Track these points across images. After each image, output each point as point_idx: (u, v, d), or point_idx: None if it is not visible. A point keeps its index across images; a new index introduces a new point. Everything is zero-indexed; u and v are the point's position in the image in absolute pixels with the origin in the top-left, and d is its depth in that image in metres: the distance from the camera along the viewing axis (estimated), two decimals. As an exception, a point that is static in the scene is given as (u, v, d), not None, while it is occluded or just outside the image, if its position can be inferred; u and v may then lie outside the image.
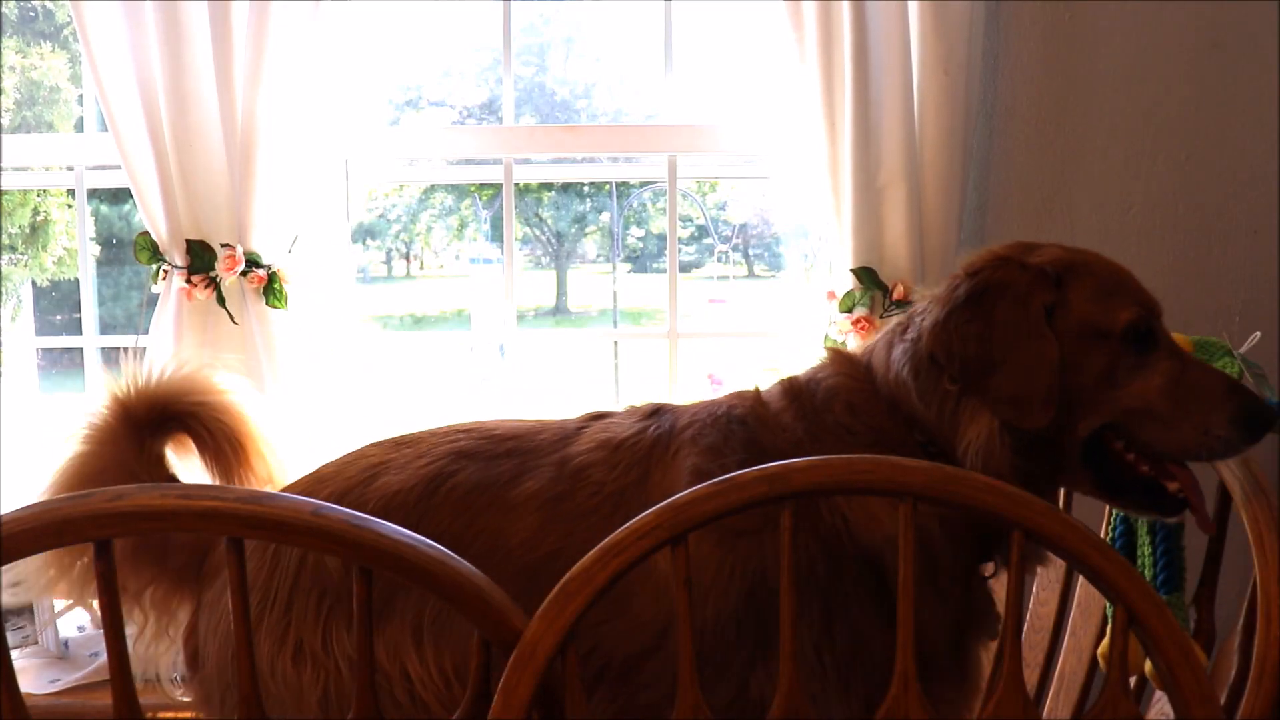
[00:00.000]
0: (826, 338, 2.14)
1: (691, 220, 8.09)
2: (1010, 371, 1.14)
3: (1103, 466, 1.20)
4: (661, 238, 2.64)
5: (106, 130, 2.11)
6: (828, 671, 1.13)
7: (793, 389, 1.28)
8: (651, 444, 1.23)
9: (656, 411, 1.29)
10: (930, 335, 1.19)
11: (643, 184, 8.28)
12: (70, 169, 2.36)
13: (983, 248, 1.28)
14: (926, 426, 1.20)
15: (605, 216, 9.10)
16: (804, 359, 1.40)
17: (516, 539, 1.19)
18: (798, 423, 1.23)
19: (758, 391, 1.30)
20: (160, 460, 1.36)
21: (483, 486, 1.21)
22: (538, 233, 9.03)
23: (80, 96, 2.48)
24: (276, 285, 2.10)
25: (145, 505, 0.90)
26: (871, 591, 1.13)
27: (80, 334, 2.37)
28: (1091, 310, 1.18)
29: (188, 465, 1.40)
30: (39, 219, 5.04)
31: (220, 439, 1.36)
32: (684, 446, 1.22)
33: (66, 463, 1.31)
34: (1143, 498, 1.20)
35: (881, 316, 2.08)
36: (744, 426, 1.24)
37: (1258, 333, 1.51)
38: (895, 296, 2.06)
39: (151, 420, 1.35)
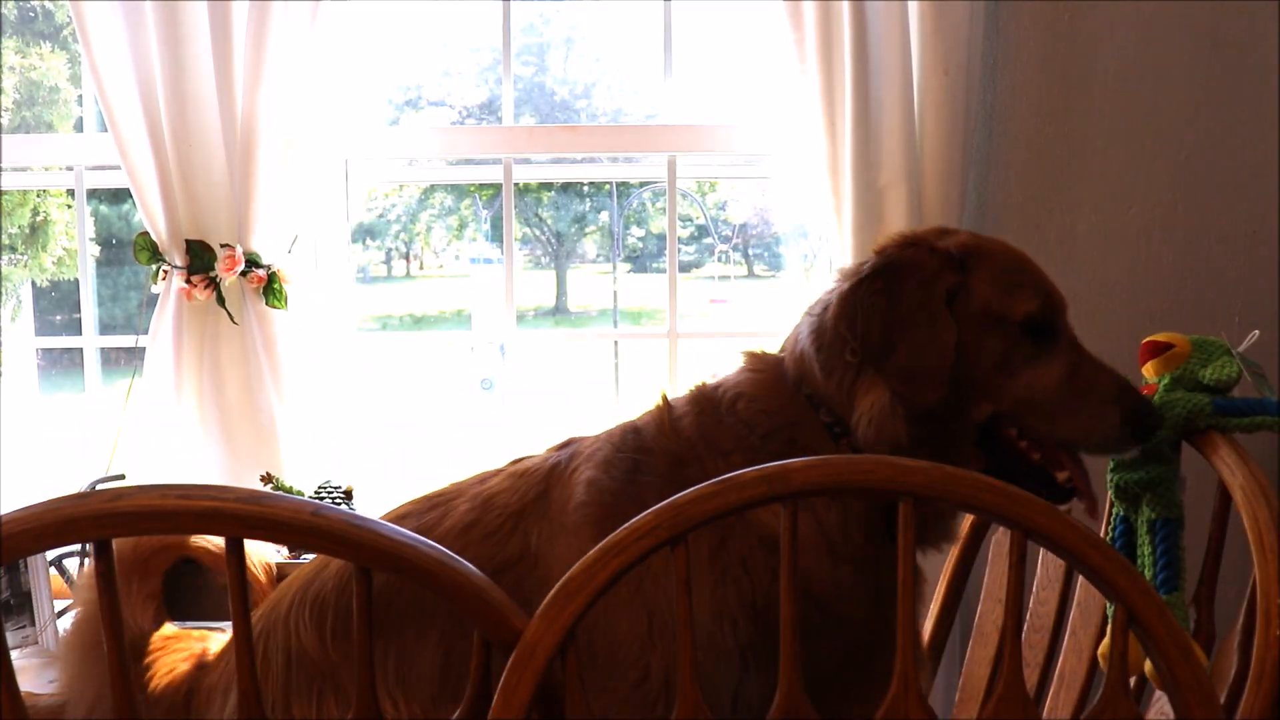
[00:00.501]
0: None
1: (691, 220, 8.09)
2: (907, 348, 1.16)
3: (995, 451, 1.23)
4: (661, 238, 2.64)
5: (106, 130, 2.11)
6: (730, 644, 1.15)
7: (700, 395, 1.30)
8: (553, 466, 1.28)
9: (568, 442, 1.33)
10: (836, 307, 1.21)
11: (642, 184, 8.28)
12: (70, 169, 2.36)
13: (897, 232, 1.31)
14: (830, 403, 1.22)
15: (605, 216, 9.10)
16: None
17: None
18: (694, 426, 1.25)
19: (665, 400, 1.32)
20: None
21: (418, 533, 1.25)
22: (538, 233, 9.03)
23: (80, 96, 2.48)
24: (276, 285, 2.10)
25: (146, 506, 0.90)
26: (772, 568, 1.14)
27: (80, 334, 2.37)
28: (993, 297, 1.20)
29: None
30: (39, 219, 5.04)
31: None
32: (583, 463, 1.26)
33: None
34: (1032, 485, 1.18)
35: (881, 316, 2.08)
36: (638, 435, 1.27)
37: (1256, 331, 1.51)
38: (895, 296, 2.06)
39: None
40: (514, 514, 1.24)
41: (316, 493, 2.02)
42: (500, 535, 1.23)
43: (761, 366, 1.29)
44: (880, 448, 1.17)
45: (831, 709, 1.07)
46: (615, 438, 1.28)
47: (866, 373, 1.19)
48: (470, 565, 0.98)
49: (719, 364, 1.38)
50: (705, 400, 1.28)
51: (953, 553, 1.68)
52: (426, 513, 1.29)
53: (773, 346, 1.36)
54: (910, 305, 1.17)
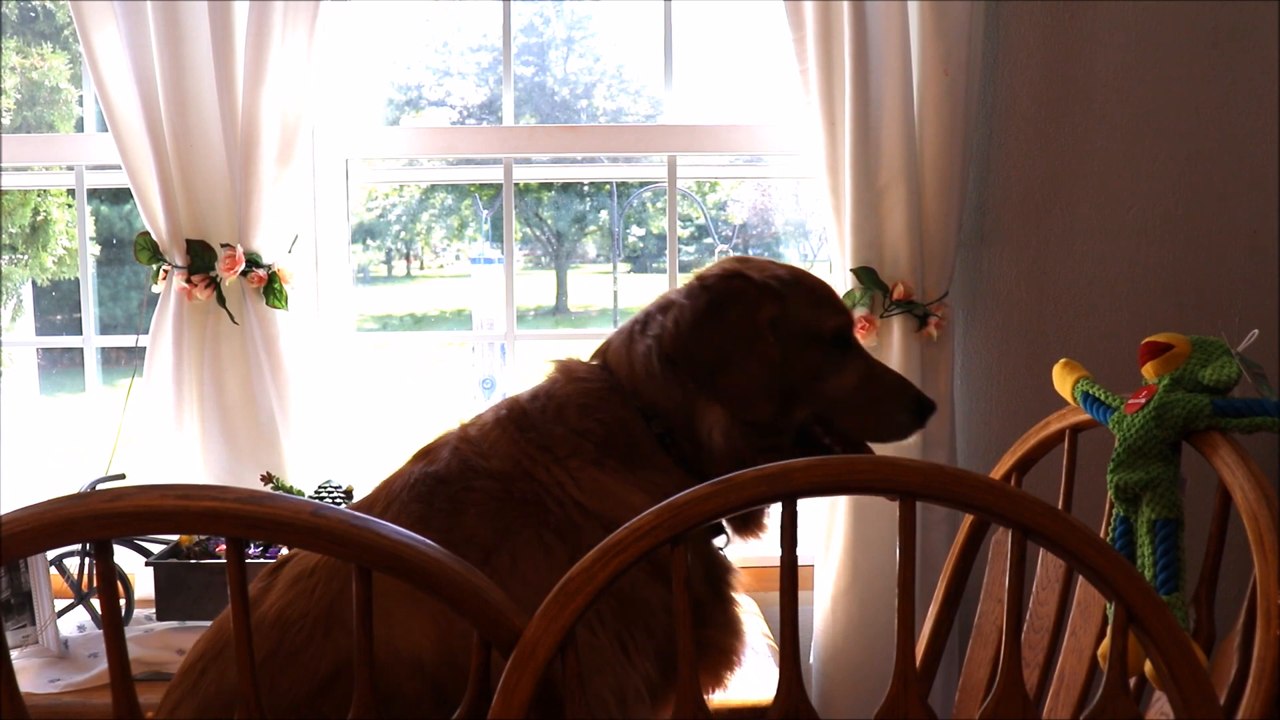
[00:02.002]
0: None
1: (691, 220, 8.09)
2: (737, 371, 1.31)
3: (807, 449, 1.39)
4: (661, 237, 2.64)
5: (106, 130, 2.11)
6: (601, 639, 1.19)
7: (513, 412, 1.33)
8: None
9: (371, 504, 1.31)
10: (671, 339, 1.33)
11: (643, 184, 8.28)
12: (70, 169, 2.36)
13: (719, 261, 1.43)
14: (666, 415, 1.33)
15: (605, 216, 9.10)
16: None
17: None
18: (510, 443, 1.28)
19: (463, 430, 1.33)
20: None
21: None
22: (538, 233, 9.03)
23: (80, 97, 2.48)
24: (276, 285, 2.10)
25: (146, 506, 0.90)
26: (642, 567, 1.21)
27: (80, 334, 2.37)
28: (807, 317, 1.37)
29: None
30: (39, 219, 5.03)
31: None
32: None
33: None
34: None
35: (882, 316, 2.08)
36: (441, 483, 1.25)
37: (1255, 331, 1.51)
38: (895, 296, 2.06)
39: None
40: (318, 620, 1.16)
41: (316, 493, 2.02)
42: (336, 581, 1.17)
43: (590, 377, 1.36)
44: (729, 458, 1.30)
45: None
46: (421, 493, 1.24)
47: (705, 394, 1.32)
48: (469, 565, 0.98)
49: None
50: (518, 416, 1.32)
51: (952, 552, 1.69)
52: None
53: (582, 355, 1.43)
54: (738, 332, 1.32)
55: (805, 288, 1.39)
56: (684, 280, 1.44)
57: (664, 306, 1.37)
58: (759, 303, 1.34)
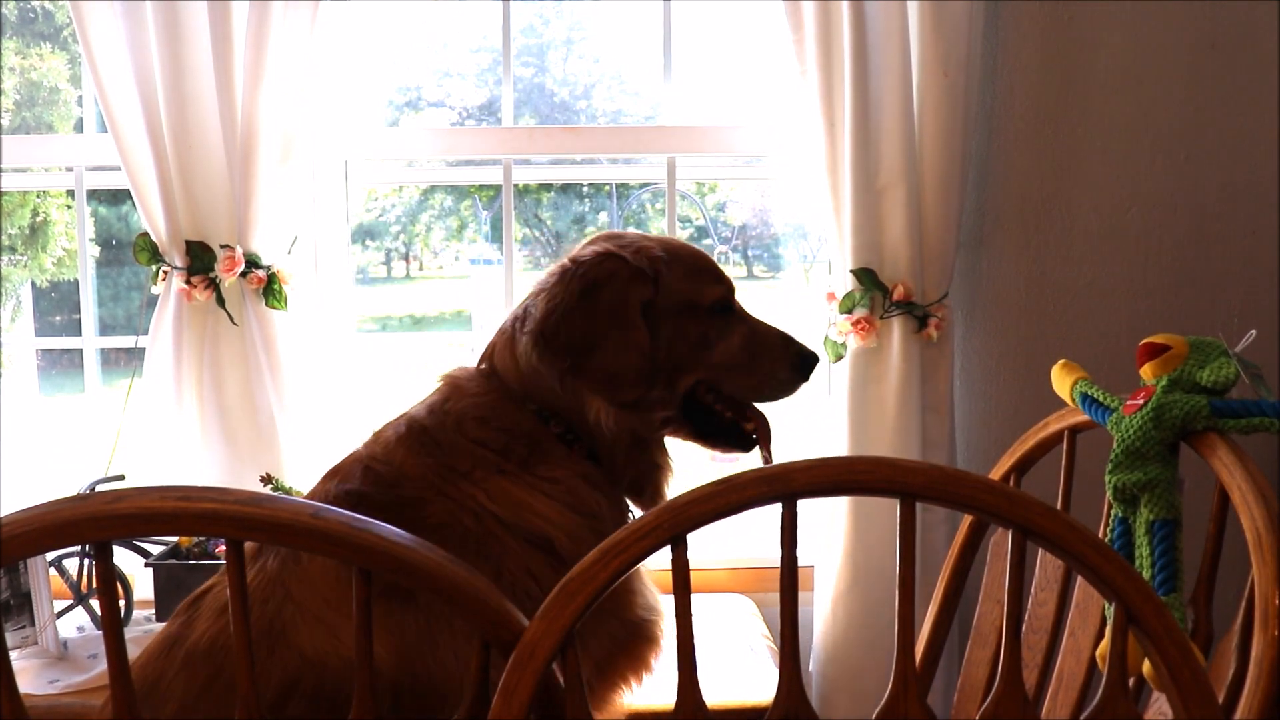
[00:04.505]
0: (826, 339, 2.15)
1: (691, 221, 8.08)
2: (606, 354, 1.32)
3: (696, 416, 1.42)
4: (661, 238, 2.63)
5: (106, 131, 2.11)
6: None
7: (413, 430, 1.31)
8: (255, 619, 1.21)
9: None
10: (543, 328, 1.33)
11: (642, 185, 8.28)
12: (70, 170, 2.36)
13: (593, 237, 1.45)
14: (561, 411, 1.34)
15: (604, 217, 9.09)
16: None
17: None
18: (415, 461, 1.28)
19: (369, 450, 1.32)
20: None
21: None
22: (537, 233, 9.03)
23: (80, 97, 2.48)
24: (276, 286, 2.10)
25: (145, 508, 0.90)
26: (546, 562, 1.25)
27: (80, 335, 2.37)
28: (686, 289, 1.39)
29: None
30: (39, 220, 5.03)
31: None
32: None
33: None
34: (727, 438, 1.44)
35: (881, 317, 2.08)
36: (365, 501, 1.23)
37: (1253, 331, 1.51)
38: (895, 297, 2.06)
39: None
40: (258, 641, 1.14)
41: (316, 493, 2.02)
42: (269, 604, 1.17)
43: (479, 390, 1.35)
44: (624, 439, 1.34)
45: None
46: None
47: (580, 380, 1.33)
48: (469, 566, 0.98)
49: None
50: (419, 433, 1.31)
51: (951, 553, 1.69)
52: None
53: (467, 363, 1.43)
54: (608, 315, 1.33)
55: (681, 261, 1.40)
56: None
57: (537, 294, 1.38)
58: (630, 285, 1.34)
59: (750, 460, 1.44)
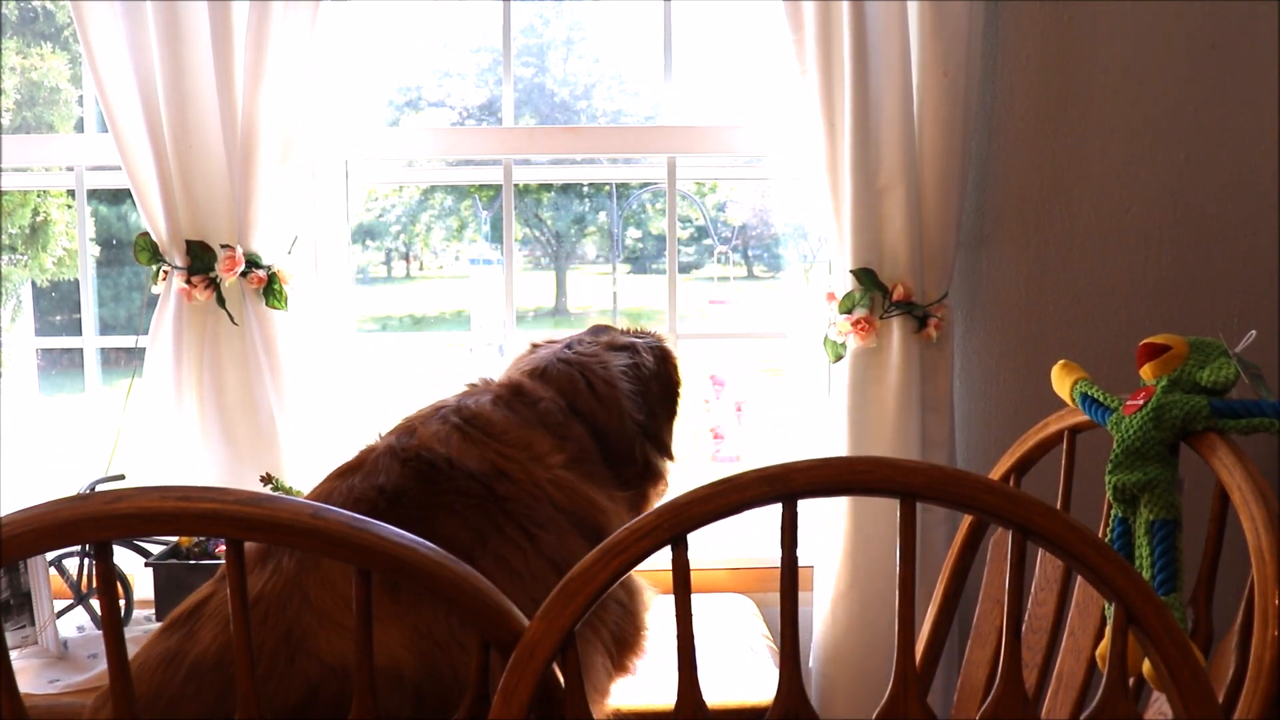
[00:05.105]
0: (826, 339, 2.15)
1: (691, 221, 8.09)
2: (663, 416, 1.61)
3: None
4: (661, 239, 2.64)
5: (106, 131, 2.11)
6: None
7: (478, 421, 1.40)
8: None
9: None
10: (631, 372, 1.57)
11: (642, 185, 8.28)
12: (70, 169, 2.36)
13: (594, 327, 1.71)
14: (611, 439, 1.52)
15: (604, 217, 9.09)
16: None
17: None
18: (480, 450, 1.37)
19: (400, 450, 1.35)
20: None
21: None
22: (537, 233, 9.03)
23: (80, 97, 2.48)
24: (276, 286, 2.10)
25: (145, 508, 0.90)
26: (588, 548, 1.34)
27: (80, 335, 2.37)
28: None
29: None
30: (39, 219, 5.03)
31: None
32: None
33: None
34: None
35: (881, 318, 2.08)
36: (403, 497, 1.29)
37: (1253, 332, 1.51)
38: (895, 297, 2.06)
39: None
40: (277, 650, 1.13)
41: (316, 493, 2.02)
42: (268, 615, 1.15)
43: (550, 401, 1.49)
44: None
45: None
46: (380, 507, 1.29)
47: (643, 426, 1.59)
48: (468, 567, 0.98)
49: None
50: (484, 425, 1.41)
51: (951, 553, 1.69)
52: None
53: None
54: (668, 385, 1.65)
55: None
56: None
57: (612, 346, 1.60)
58: (677, 372, 1.66)
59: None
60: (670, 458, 1.61)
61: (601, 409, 1.50)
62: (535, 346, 1.64)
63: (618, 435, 1.50)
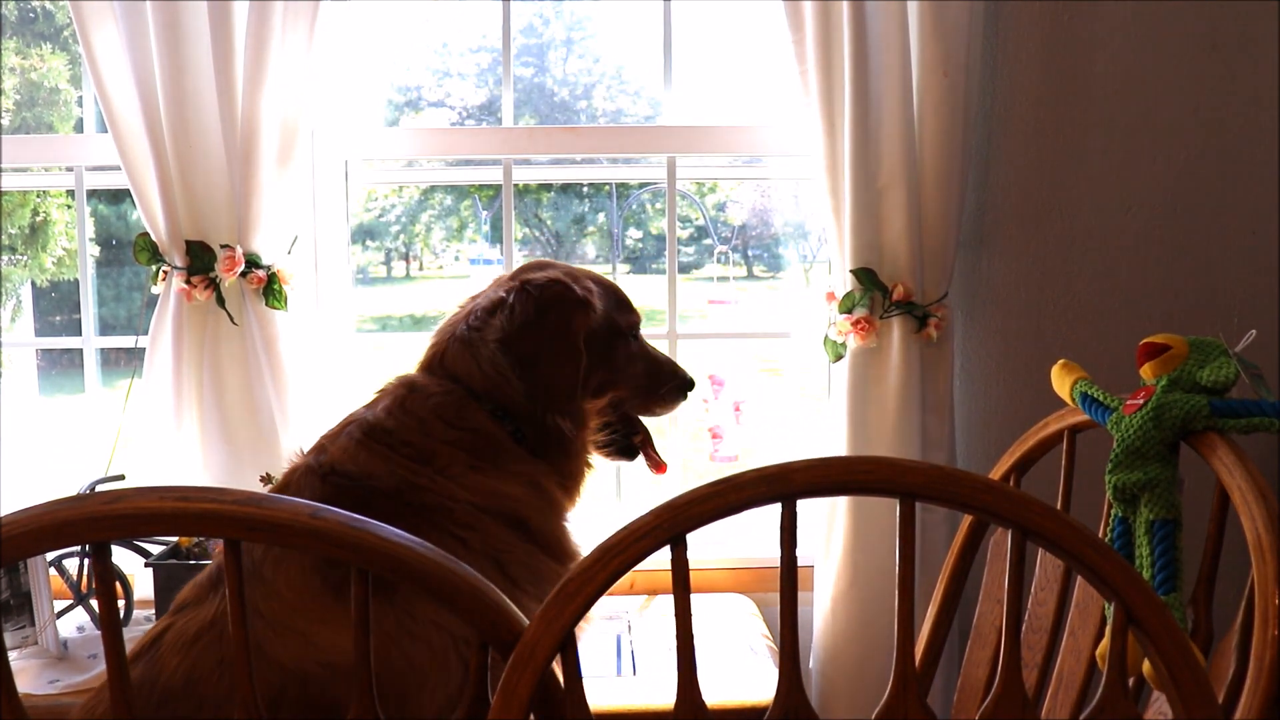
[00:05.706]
0: (826, 339, 2.15)
1: (691, 221, 8.09)
2: (548, 367, 1.46)
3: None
4: (661, 239, 2.65)
5: (106, 131, 2.11)
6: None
7: (376, 431, 1.39)
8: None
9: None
10: (506, 330, 1.46)
11: (642, 185, 8.28)
12: (70, 169, 2.36)
13: (527, 264, 1.61)
14: (516, 413, 1.46)
15: (604, 217, 9.09)
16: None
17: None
18: (384, 462, 1.36)
19: (316, 458, 1.37)
20: None
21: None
22: (537, 234, 9.03)
23: (80, 97, 2.47)
24: (276, 286, 2.10)
25: (144, 508, 0.90)
26: (518, 537, 1.40)
27: (80, 335, 2.37)
28: (616, 319, 1.57)
29: None
30: (39, 219, 5.03)
31: None
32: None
33: None
34: (616, 447, 1.62)
35: (881, 317, 2.08)
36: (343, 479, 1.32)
37: (1253, 331, 1.51)
38: (895, 297, 2.06)
39: None
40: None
41: (316, 493, 2.02)
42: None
43: (442, 390, 1.45)
44: (581, 443, 1.52)
45: None
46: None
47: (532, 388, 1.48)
48: (467, 567, 0.98)
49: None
50: (382, 435, 1.39)
51: (951, 553, 1.69)
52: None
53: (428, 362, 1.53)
54: (551, 333, 1.47)
55: (610, 293, 1.59)
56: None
57: (491, 309, 1.49)
58: (575, 311, 1.50)
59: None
60: (571, 413, 1.49)
61: (493, 387, 1.45)
62: (461, 307, 1.59)
63: (515, 406, 1.45)
